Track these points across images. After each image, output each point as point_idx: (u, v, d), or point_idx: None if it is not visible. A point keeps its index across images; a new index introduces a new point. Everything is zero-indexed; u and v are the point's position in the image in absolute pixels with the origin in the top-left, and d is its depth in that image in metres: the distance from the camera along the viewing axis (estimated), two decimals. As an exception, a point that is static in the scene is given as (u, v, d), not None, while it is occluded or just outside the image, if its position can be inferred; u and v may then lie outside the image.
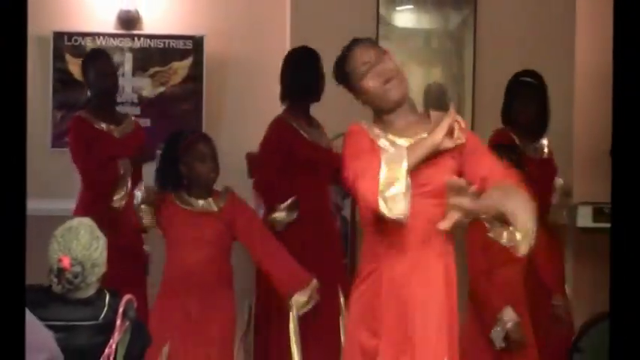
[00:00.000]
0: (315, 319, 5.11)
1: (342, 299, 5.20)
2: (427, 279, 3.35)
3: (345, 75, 3.48)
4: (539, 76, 5.36)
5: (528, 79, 5.37)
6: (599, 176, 5.91)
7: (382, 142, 3.39)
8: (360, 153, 3.32)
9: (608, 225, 6.14)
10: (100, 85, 5.33)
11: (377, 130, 3.41)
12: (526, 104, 5.27)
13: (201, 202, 4.46)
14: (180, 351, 4.35)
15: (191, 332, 4.38)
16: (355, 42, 3.52)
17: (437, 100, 6.14)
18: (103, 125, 5.32)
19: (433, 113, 3.49)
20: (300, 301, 4.40)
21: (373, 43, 3.64)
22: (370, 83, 3.41)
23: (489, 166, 3.37)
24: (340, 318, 5.21)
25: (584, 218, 5.96)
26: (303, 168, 5.17)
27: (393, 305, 3.35)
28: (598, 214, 5.95)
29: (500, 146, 4.72)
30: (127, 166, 5.25)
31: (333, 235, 5.37)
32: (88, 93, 5.42)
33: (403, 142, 3.37)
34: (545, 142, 5.36)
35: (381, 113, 3.45)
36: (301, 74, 5.22)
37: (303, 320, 5.01)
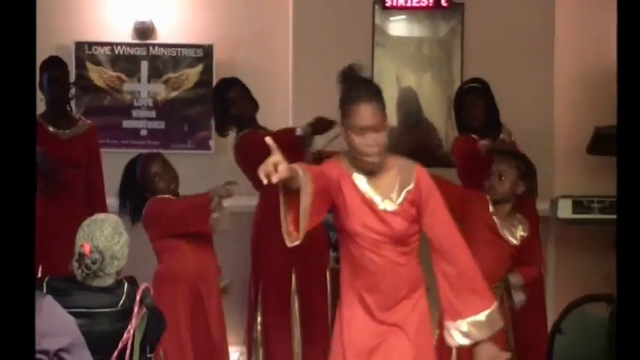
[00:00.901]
0: (307, 304, 5.13)
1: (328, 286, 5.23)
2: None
3: (343, 112, 3.33)
4: (482, 81, 5.34)
5: (472, 85, 5.36)
6: (578, 171, 5.90)
7: (355, 177, 3.37)
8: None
9: (586, 216, 6.16)
10: (49, 92, 5.19)
11: (356, 172, 3.36)
12: (475, 108, 5.25)
13: None
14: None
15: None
16: (360, 94, 3.27)
17: (408, 105, 6.16)
18: (52, 129, 5.20)
19: (391, 158, 3.41)
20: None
21: (378, 103, 3.30)
22: (357, 141, 3.28)
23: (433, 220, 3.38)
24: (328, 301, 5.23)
25: (565, 210, 5.94)
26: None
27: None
28: (577, 206, 5.94)
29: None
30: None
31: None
32: (42, 98, 5.28)
33: (364, 183, 3.35)
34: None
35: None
36: (235, 107, 5.21)
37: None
